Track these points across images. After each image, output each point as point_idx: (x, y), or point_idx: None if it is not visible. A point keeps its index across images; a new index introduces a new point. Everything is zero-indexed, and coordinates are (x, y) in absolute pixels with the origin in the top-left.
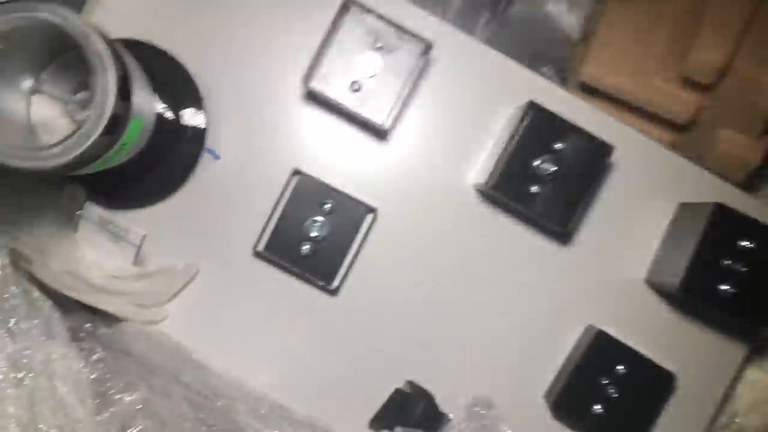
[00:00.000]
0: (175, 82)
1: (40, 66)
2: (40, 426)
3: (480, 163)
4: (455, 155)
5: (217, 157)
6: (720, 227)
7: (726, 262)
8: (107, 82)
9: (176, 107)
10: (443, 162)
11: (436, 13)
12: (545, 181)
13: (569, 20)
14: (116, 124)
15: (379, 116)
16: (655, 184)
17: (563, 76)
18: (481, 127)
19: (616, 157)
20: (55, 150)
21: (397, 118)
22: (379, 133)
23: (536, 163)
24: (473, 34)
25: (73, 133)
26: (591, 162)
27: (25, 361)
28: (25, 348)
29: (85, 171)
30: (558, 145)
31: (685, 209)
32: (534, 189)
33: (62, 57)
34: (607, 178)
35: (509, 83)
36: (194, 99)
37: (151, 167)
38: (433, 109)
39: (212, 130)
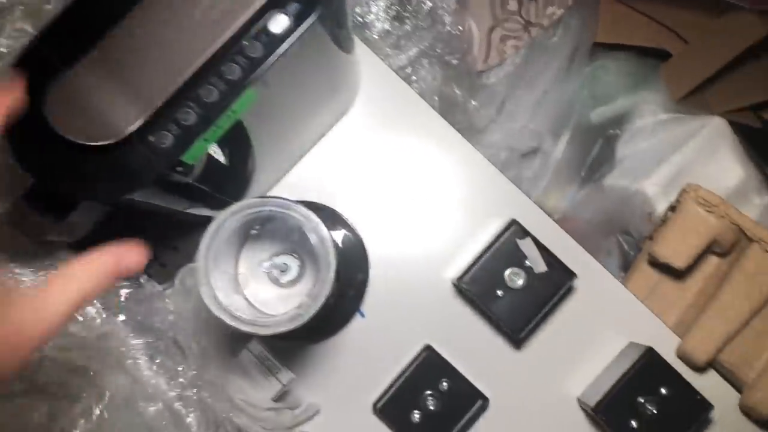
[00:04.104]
0: (349, 243)
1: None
2: None
3: (588, 384)
4: (568, 372)
5: (363, 316)
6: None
7: (640, 400)
8: (327, 280)
9: (349, 274)
10: (556, 375)
11: (535, 165)
12: (645, 419)
13: (660, 203)
14: (325, 308)
15: (514, 326)
16: None
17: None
18: (595, 352)
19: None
20: (272, 321)
21: (529, 330)
22: (512, 339)
23: (640, 400)
24: (566, 191)
25: (291, 313)
26: (689, 415)
27: None
28: None
29: None
30: (662, 390)
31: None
32: (633, 424)
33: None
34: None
35: (631, 321)
36: (362, 266)
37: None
38: (559, 326)
39: (368, 293)
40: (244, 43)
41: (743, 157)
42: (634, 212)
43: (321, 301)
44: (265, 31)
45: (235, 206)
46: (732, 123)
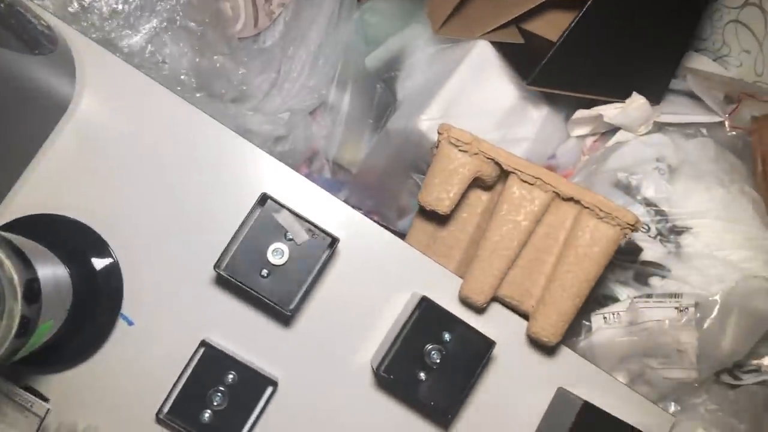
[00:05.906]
0: (93, 252)
1: None
2: None
3: (377, 346)
4: (354, 337)
5: (130, 324)
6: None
7: (427, 349)
8: (13, 310)
9: (94, 279)
10: (342, 343)
11: (327, 122)
12: (432, 370)
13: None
14: (24, 332)
15: (284, 302)
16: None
17: None
18: (379, 311)
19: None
20: None
21: (301, 303)
22: (284, 316)
23: (426, 350)
24: (360, 142)
25: None
26: (476, 355)
27: None
28: None
29: None
30: (445, 337)
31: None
32: (422, 376)
33: None
34: (490, 369)
35: (411, 271)
36: (113, 271)
37: (68, 337)
38: (336, 293)
39: (128, 299)
40: None
41: (513, 74)
42: (417, 151)
43: (11, 333)
44: None
45: None
46: (497, 44)
